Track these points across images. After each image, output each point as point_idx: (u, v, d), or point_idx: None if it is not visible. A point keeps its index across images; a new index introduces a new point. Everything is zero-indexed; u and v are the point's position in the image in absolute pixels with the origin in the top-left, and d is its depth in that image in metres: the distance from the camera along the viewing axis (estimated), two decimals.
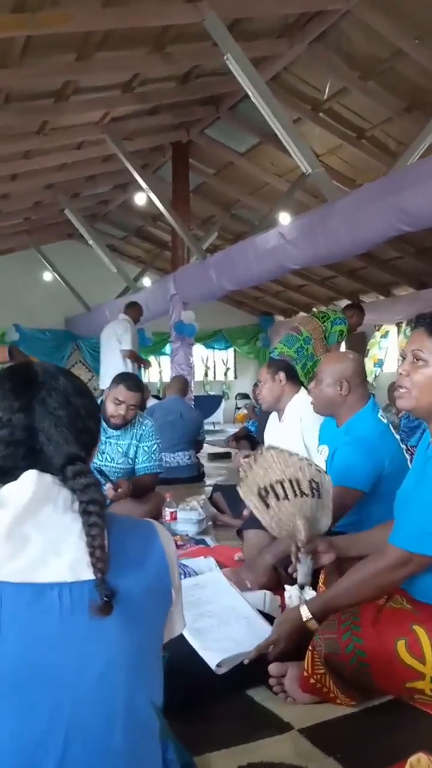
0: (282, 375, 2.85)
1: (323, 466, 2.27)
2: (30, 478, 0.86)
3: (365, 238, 4.99)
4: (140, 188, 7.86)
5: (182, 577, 2.17)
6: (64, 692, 0.79)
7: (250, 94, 4.86)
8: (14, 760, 0.76)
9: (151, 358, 13.78)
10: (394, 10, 4.99)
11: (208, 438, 6.78)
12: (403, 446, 2.28)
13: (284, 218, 7.47)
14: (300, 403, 2.78)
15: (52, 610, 0.80)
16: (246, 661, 1.51)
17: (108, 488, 2.94)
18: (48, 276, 11.46)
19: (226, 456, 6.86)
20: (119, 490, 2.94)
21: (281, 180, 8.19)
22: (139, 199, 8.80)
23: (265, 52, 5.78)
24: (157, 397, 7.72)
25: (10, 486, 0.86)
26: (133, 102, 6.34)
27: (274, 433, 2.97)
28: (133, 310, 7.25)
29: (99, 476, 2.93)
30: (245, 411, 7.37)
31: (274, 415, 3.04)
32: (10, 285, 11.14)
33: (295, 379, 2.90)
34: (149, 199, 7.83)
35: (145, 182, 7.41)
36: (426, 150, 4.98)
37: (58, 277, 11.06)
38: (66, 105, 5.80)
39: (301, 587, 1.70)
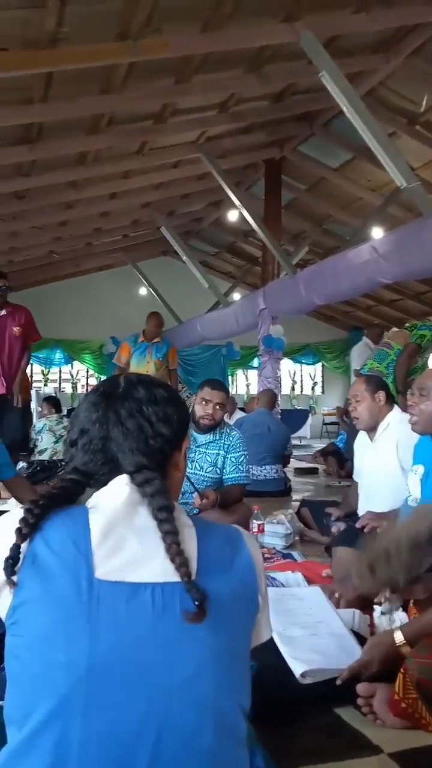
0: (382, 394, 2.79)
1: (417, 487, 2.23)
2: (123, 481, 0.92)
3: None
4: (233, 205, 7.99)
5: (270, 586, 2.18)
6: (157, 690, 0.81)
7: (344, 109, 4.85)
8: (110, 752, 0.79)
9: (239, 371, 13.90)
10: None
11: (294, 453, 6.74)
12: None
13: (377, 233, 7.36)
14: (395, 423, 2.72)
15: (145, 610, 0.83)
16: (338, 682, 1.51)
17: (195, 497, 3.00)
18: (143, 291, 11.85)
19: (312, 471, 6.80)
20: (205, 500, 2.99)
21: (375, 194, 8.08)
22: (232, 215, 8.96)
23: (361, 68, 5.76)
24: (242, 409, 7.78)
25: (104, 490, 0.93)
26: (228, 121, 6.48)
27: (365, 454, 2.93)
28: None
29: (188, 484, 3.01)
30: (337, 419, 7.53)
31: (363, 436, 2.99)
32: (108, 300, 11.63)
33: (390, 398, 2.84)
34: (241, 215, 7.94)
35: (237, 199, 7.53)
36: None
37: (153, 292, 11.41)
38: (164, 126, 6.01)
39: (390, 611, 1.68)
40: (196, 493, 3.01)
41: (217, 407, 3.17)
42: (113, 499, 0.90)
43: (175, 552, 0.84)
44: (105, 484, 0.94)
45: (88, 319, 11.50)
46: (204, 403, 3.16)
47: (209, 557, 0.89)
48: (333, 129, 7.12)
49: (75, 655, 0.80)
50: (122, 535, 0.87)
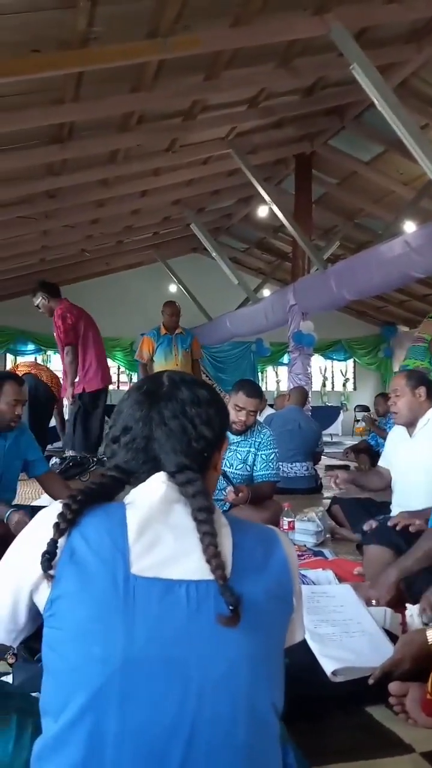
0: (423, 390, 2.75)
1: None
2: (160, 479, 0.93)
3: None
4: (263, 201, 7.97)
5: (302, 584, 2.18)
6: (191, 686, 0.82)
7: (376, 102, 4.80)
8: (144, 746, 0.80)
9: (269, 367, 13.86)
10: None
11: (326, 450, 6.70)
12: None
13: (409, 227, 7.25)
14: None
15: (180, 606, 0.84)
16: (371, 681, 1.50)
17: (229, 491, 3.04)
18: (173, 288, 11.90)
19: (344, 468, 6.74)
20: (240, 494, 3.01)
21: (407, 188, 7.96)
22: (262, 211, 8.93)
23: (393, 59, 5.67)
24: (271, 406, 7.75)
25: (141, 487, 0.94)
26: (259, 116, 6.46)
27: (402, 449, 2.90)
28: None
29: (222, 479, 3.03)
30: (363, 424, 7.11)
31: (400, 430, 2.95)
32: (138, 297, 11.70)
33: (431, 394, 2.80)
34: (271, 211, 7.92)
35: (267, 195, 7.50)
36: None
37: (183, 289, 11.45)
38: (194, 123, 6.02)
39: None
40: (230, 488, 3.03)
41: (251, 414, 3.19)
42: (150, 496, 0.91)
43: (212, 554, 0.85)
44: (143, 481, 0.95)
45: (118, 317, 11.58)
46: (237, 409, 3.17)
47: (244, 557, 0.90)
48: (364, 122, 7.03)
49: (111, 649, 0.81)
50: (159, 532, 0.88)
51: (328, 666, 1.49)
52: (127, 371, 12.85)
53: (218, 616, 0.83)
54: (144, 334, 6.16)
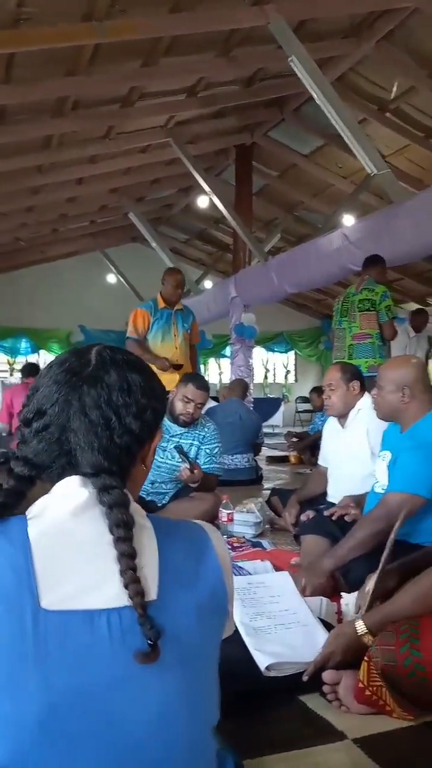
0: (357, 384, 2.81)
1: (384, 473, 2.24)
2: (74, 484, 0.79)
3: None
4: (203, 191, 7.93)
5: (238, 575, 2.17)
6: (120, 738, 0.71)
7: (314, 95, 4.83)
8: None
9: (211, 360, 13.87)
10: None
11: (266, 441, 6.76)
12: None
13: (348, 220, 7.37)
14: (366, 409, 2.73)
15: (102, 641, 0.72)
16: (305, 678, 1.51)
17: (183, 469, 3.04)
18: (112, 278, 11.72)
19: (284, 459, 6.82)
20: (195, 471, 3.01)
21: (346, 182, 8.09)
22: (202, 202, 8.89)
23: (331, 53, 5.73)
24: (214, 398, 7.76)
25: (50, 496, 0.79)
26: (198, 106, 6.41)
27: (337, 440, 2.94)
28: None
29: (179, 455, 3.02)
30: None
31: (332, 423, 3.00)
32: (75, 287, 11.46)
33: (364, 387, 2.86)
34: (212, 202, 7.89)
35: (208, 185, 7.47)
36: None
37: (122, 279, 11.29)
38: (132, 110, 5.92)
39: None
40: (185, 465, 3.02)
41: (199, 407, 3.17)
42: (60, 508, 0.77)
43: (130, 578, 0.73)
44: (58, 479, 0.80)
45: (54, 307, 11.32)
46: (186, 401, 3.14)
47: (172, 573, 0.78)
48: (304, 115, 7.09)
49: (23, 704, 0.68)
50: (71, 553, 0.75)
51: (262, 661, 1.48)
52: None
53: (136, 653, 0.71)
54: (139, 306, 5.03)
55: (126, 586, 0.73)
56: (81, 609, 0.72)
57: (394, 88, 6.19)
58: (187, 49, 5.09)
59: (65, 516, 0.76)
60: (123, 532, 0.75)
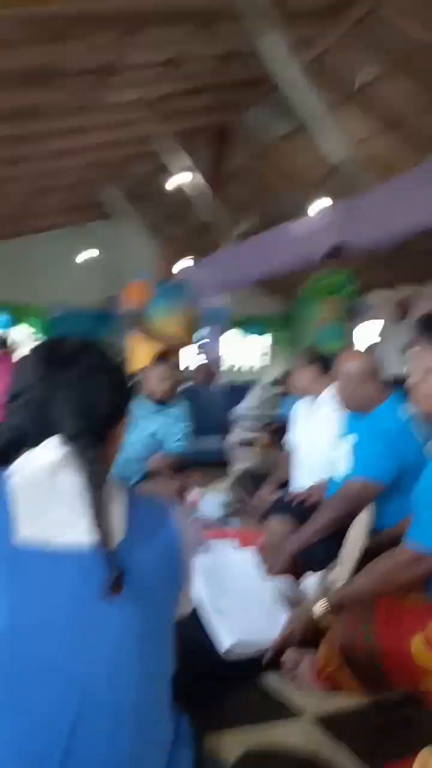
0: (319, 366, 2.84)
1: (345, 459, 2.26)
2: (52, 443, 0.88)
3: (399, 228, 4.90)
4: (179, 169, 7.83)
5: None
6: (73, 681, 0.77)
7: (286, 79, 4.77)
8: (22, 751, 0.75)
9: None
10: None
11: (239, 422, 6.77)
12: None
13: (320, 204, 7.37)
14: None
15: (67, 578, 0.81)
16: (264, 661, 1.53)
17: (153, 457, 3.07)
18: (87, 254, 11.55)
19: (253, 442, 6.85)
20: (161, 459, 3.08)
21: (319, 166, 8.05)
22: (178, 180, 8.77)
23: (304, 35, 5.64)
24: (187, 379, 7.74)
25: (32, 452, 0.88)
26: (175, 81, 6.29)
27: (305, 423, 2.97)
28: None
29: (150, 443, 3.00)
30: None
31: (301, 406, 3.02)
32: (50, 263, 11.26)
33: (330, 368, 2.87)
34: (188, 181, 7.80)
35: (185, 163, 7.38)
36: None
37: (98, 257, 11.13)
38: (108, 83, 5.79)
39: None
40: (158, 454, 3.02)
41: (173, 384, 3.16)
42: (39, 461, 0.87)
43: (99, 520, 0.82)
44: (34, 446, 0.89)
45: (29, 282, 11.10)
46: (162, 378, 3.12)
47: (136, 526, 0.88)
48: (279, 98, 7.00)
49: None
50: (47, 499, 0.84)
51: (224, 640, 1.50)
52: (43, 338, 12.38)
53: (100, 588, 0.79)
54: (137, 278, 4.53)
55: (95, 528, 0.81)
56: (51, 547, 0.81)
57: (363, 76, 6.16)
58: (164, 21, 4.99)
59: (44, 467, 0.86)
60: (96, 482, 0.85)
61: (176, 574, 0.92)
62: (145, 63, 5.79)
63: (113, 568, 0.80)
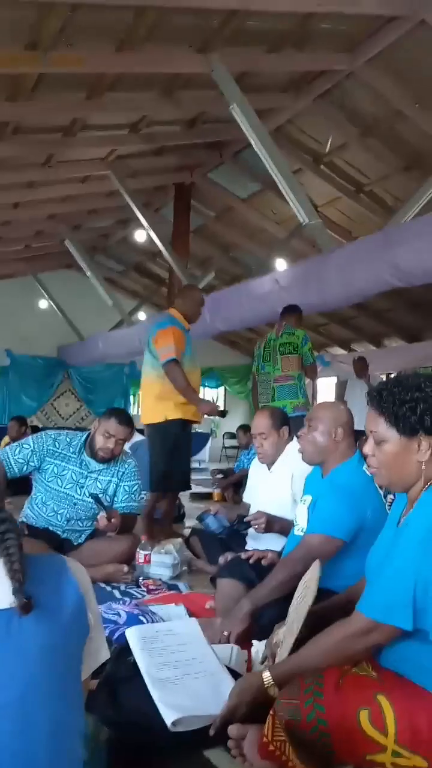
0: (286, 430, 2.87)
1: (305, 516, 2.25)
2: None
3: (357, 289, 5.06)
4: (141, 225, 7.97)
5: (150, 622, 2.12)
6: None
7: (252, 143, 4.98)
8: None
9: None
10: (397, 74, 5.18)
11: (192, 477, 6.70)
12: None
13: (280, 265, 7.58)
14: (294, 453, 2.77)
15: None
16: (211, 732, 1.47)
17: (100, 517, 2.94)
18: (44, 304, 11.52)
19: (208, 497, 6.79)
20: (113, 520, 2.93)
21: (280, 227, 8.33)
22: (140, 235, 8.92)
23: (271, 105, 5.95)
24: (140, 431, 7.68)
25: None
26: (139, 142, 6.48)
27: (262, 483, 2.97)
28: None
29: (95, 503, 2.94)
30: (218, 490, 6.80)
31: (257, 463, 3.02)
32: (5, 311, 11.17)
33: (290, 430, 2.90)
34: (149, 236, 7.93)
35: (146, 220, 7.52)
36: (422, 209, 5.10)
37: (54, 306, 11.12)
38: (73, 140, 5.92)
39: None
40: (102, 514, 2.93)
41: (120, 443, 3.09)
42: None
43: (15, 560, 0.93)
44: None
45: None
46: (107, 436, 3.05)
47: (36, 595, 0.93)
48: (242, 160, 7.29)
49: None
50: None
51: (168, 716, 1.44)
52: None
53: (15, 607, 0.88)
54: (163, 324, 4.10)
55: (9, 567, 0.92)
56: None
57: (329, 143, 6.48)
58: (131, 86, 5.17)
59: None
60: (13, 548, 0.95)
61: (83, 624, 0.97)
62: (110, 124, 5.97)
63: (22, 596, 0.89)
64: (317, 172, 6.87)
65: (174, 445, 3.98)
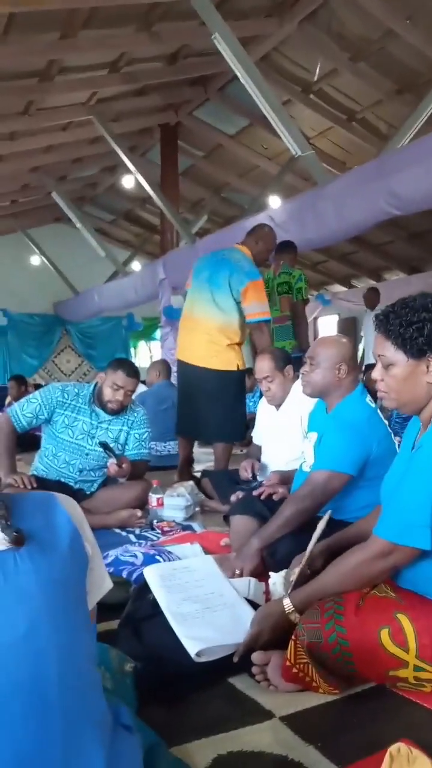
0: (290, 369, 2.86)
1: (311, 452, 2.27)
2: None
3: (355, 221, 4.94)
4: (128, 171, 7.76)
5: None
6: None
7: (238, 74, 4.78)
8: None
9: (141, 343, 13.71)
10: None
11: None
12: (396, 439, 2.26)
13: (274, 202, 7.40)
14: (300, 393, 2.76)
15: None
16: (235, 659, 1.51)
17: (110, 464, 2.99)
18: (36, 260, 11.35)
19: None
20: (123, 465, 2.98)
21: (272, 163, 8.10)
22: (128, 182, 8.70)
23: (254, 32, 5.69)
24: (143, 382, 7.67)
25: None
26: (120, 82, 6.24)
27: (269, 420, 2.99)
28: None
29: (104, 451, 2.97)
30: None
31: (265, 404, 3.03)
32: None
33: (294, 369, 2.89)
34: (138, 182, 7.73)
35: (133, 165, 7.32)
36: (417, 133, 4.93)
37: (46, 261, 10.95)
38: (51, 85, 5.70)
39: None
40: (112, 460, 2.97)
41: (128, 393, 3.09)
42: None
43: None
44: None
45: None
46: (115, 388, 3.05)
47: (29, 533, 0.92)
48: (228, 94, 7.03)
49: None
50: None
51: (191, 647, 1.47)
52: None
53: (9, 540, 0.87)
54: (255, 274, 3.84)
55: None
56: None
57: (317, 70, 6.23)
58: (107, 22, 4.94)
59: None
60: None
61: (81, 555, 0.97)
62: (88, 65, 5.73)
63: (11, 531, 0.88)
64: (307, 102, 6.63)
65: (243, 394, 4.05)
